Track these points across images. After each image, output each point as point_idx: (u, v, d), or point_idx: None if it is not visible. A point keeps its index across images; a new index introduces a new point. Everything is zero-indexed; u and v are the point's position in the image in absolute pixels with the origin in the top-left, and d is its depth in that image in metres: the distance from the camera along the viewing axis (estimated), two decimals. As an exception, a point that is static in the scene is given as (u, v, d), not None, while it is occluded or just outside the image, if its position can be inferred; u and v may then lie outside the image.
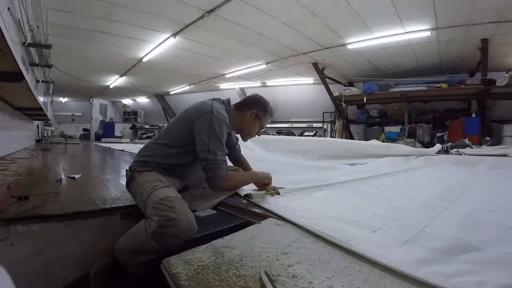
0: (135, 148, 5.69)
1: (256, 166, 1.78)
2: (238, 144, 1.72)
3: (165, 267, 0.73)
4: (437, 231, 1.00)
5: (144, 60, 7.15)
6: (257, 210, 1.22)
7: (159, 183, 1.17)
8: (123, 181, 2.04)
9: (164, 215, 0.95)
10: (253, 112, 1.45)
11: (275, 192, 1.46)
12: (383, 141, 6.46)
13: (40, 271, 1.10)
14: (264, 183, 1.48)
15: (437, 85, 6.25)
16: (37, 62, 3.00)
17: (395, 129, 7.15)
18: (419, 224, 1.08)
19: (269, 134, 7.95)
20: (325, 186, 1.78)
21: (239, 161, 1.72)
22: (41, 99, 4.21)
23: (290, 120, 10.07)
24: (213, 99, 1.40)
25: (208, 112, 1.27)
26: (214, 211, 1.31)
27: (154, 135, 8.72)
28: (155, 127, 13.09)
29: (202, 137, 1.25)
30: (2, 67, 1.88)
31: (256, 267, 0.72)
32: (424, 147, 5.36)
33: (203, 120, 1.26)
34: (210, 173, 1.24)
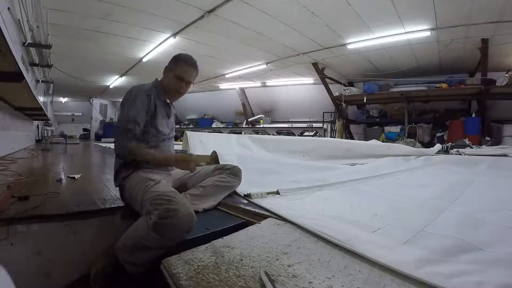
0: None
1: (256, 166, 1.78)
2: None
3: (165, 267, 0.73)
4: (437, 231, 1.00)
5: (144, 60, 7.16)
6: (257, 210, 1.22)
7: (149, 181, 1.18)
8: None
9: (164, 207, 0.97)
10: (167, 69, 1.48)
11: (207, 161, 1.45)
12: (383, 141, 6.46)
13: (40, 271, 1.10)
14: (184, 163, 1.34)
15: (437, 85, 6.25)
16: (37, 62, 3.00)
17: (395, 129, 7.16)
18: (419, 224, 1.08)
19: (269, 134, 7.95)
20: (325, 186, 1.78)
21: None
22: (41, 99, 4.21)
23: (290, 120, 10.08)
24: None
25: (128, 91, 1.38)
26: (213, 208, 1.33)
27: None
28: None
29: (120, 111, 1.37)
30: (2, 67, 1.88)
31: (256, 267, 0.72)
32: (424, 147, 5.36)
33: (124, 98, 1.38)
34: (116, 139, 1.34)
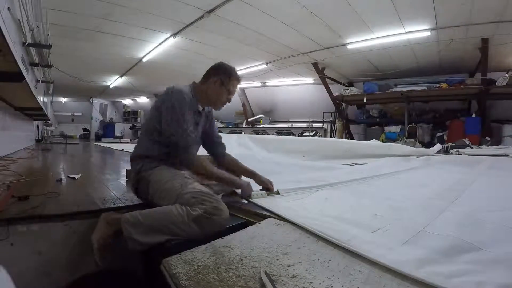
0: (135, 148, 5.67)
1: (256, 166, 1.78)
2: (223, 143, 1.70)
3: (165, 267, 0.73)
4: (437, 231, 1.00)
5: (144, 60, 7.16)
6: (257, 210, 1.22)
7: (186, 179, 1.24)
8: (123, 181, 2.05)
9: (213, 205, 1.05)
10: (217, 80, 1.46)
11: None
12: (383, 141, 6.46)
13: (40, 271, 1.10)
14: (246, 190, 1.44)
15: (437, 85, 6.25)
16: (37, 62, 3.00)
17: (395, 129, 7.15)
18: (419, 224, 1.08)
19: (269, 134, 7.95)
20: (325, 186, 1.78)
21: (226, 160, 1.66)
22: (41, 99, 4.21)
23: (290, 120, 10.07)
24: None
25: (167, 92, 1.35)
26: None
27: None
28: (155, 127, 13.05)
29: (166, 118, 1.32)
30: (2, 67, 1.88)
31: (256, 267, 0.72)
32: (424, 147, 5.37)
33: (163, 100, 1.34)
34: (180, 158, 1.35)
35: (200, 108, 1.50)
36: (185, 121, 1.32)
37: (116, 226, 1.09)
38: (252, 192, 1.40)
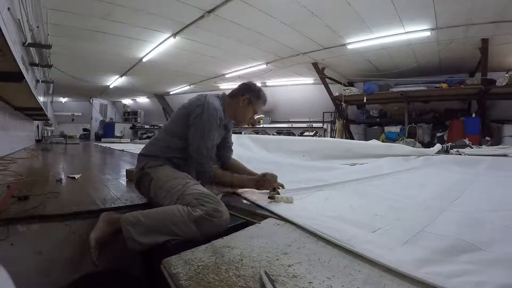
0: (135, 148, 5.69)
1: (256, 167, 1.78)
2: (232, 149, 1.74)
3: (165, 267, 0.73)
4: (437, 231, 1.00)
5: (144, 60, 7.15)
6: (257, 210, 1.22)
7: (189, 180, 1.25)
8: (123, 181, 2.05)
9: (213, 207, 1.06)
10: (246, 98, 1.50)
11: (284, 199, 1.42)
12: (383, 141, 6.46)
13: (40, 271, 1.10)
14: (260, 187, 1.47)
15: (437, 85, 6.24)
16: (37, 62, 3.00)
17: (395, 129, 7.15)
18: (419, 224, 1.08)
19: (269, 134, 7.95)
20: (325, 186, 1.79)
21: (230, 163, 1.72)
22: (41, 99, 4.21)
23: (290, 120, 10.06)
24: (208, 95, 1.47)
25: (201, 104, 1.37)
26: None
27: (154, 135, 8.75)
28: (155, 127, 13.08)
29: (194, 132, 1.35)
30: (2, 67, 1.88)
31: (256, 267, 0.72)
32: (424, 147, 5.36)
33: (195, 110, 1.36)
34: (199, 170, 1.39)
35: (227, 121, 1.54)
36: (210, 139, 1.36)
37: (115, 225, 1.09)
38: (277, 196, 1.37)
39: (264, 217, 1.14)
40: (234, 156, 1.78)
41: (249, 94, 1.50)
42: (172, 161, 1.40)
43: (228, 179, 1.46)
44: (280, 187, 1.48)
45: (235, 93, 1.53)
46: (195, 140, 1.35)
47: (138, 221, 1.05)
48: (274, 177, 1.48)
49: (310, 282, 0.65)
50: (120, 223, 1.06)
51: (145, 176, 1.34)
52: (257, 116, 1.58)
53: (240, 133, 7.96)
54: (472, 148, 4.92)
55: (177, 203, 1.12)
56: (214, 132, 1.38)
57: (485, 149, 4.71)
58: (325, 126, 8.36)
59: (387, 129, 7.34)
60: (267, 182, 1.44)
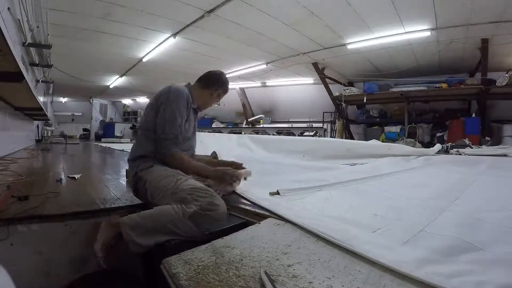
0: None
1: (256, 167, 1.78)
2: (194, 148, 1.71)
3: (165, 267, 0.73)
4: (437, 231, 1.00)
5: (144, 60, 7.15)
6: (257, 210, 1.22)
7: (180, 176, 1.24)
8: (123, 181, 2.05)
9: (208, 201, 1.05)
10: (218, 93, 1.60)
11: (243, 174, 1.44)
12: (383, 141, 6.46)
13: (40, 271, 1.10)
14: (226, 179, 1.42)
15: (437, 85, 6.25)
16: (37, 62, 3.00)
17: (395, 129, 7.15)
18: (419, 224, 1.08)
19: (269, 134, 7.95)
20: (325, 186, 1.78)
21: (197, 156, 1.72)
22: (41, 99, 4.21)
23: (290, 120, 10.07)
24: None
25: (167, 91, 1.41)
26: None
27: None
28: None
29: (161, 114, 1.36)
30: (2, 67, 1.88)
31: (256, 267, 0.72)
32: (424, 147, 5.36)
33: (160, 97, 1.40)
34: (160, 147, 1.37)
35: (196, 106, 1.58)
36: (177, 118, 1.37)
37: (117, 229, 1.08)
38: (280, 189, 1.41)
39: (264, 217, 1.14)
40: (234, 156, 1.78)
41: (221, 89, 1.60)
42: (159, 158, 1.38)
43: (189, 164, 1.40)
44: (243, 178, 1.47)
45: (206, 85, 1.58)
46: (161, 121, 1.36)
47: (136, 224, 1.04)
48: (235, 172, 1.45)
49: (310, 282, 0.65)
50: (120, 227, 1.06)
51: (139, 180, 1.33)
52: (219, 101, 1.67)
53: (240, 133, 7.96)
54: (472, 148, 4.92)
55: (172, 201, 1.11)
56: (181, 112, 1.39)
57: (485, 149, 4.71)
58: (325, 126, 8.36)
59: (387, 129, 7.34)
60: (229, 178, 1.41)
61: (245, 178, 1.51)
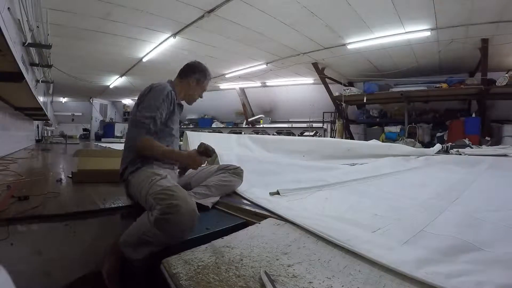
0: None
1: (256, 166, 1.78)
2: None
3: (165, 267, 0.73)
4: (437, 231, 1.00)
5: (144, 60, 7.15)
6: (257, 210, 1.22)
7: (155, 176, 1.19)
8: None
9: (167, 203, 0.96)
10: (195, 79, 1.58)
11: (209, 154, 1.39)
12: (383, 141, 6.46)
13: (40, 271, 1.10)
14: (195, 162, 1.38)
15: (437, 85, 6.25)
16: (37, 62, 2.99)
17: (395, 129, 7.16)
18: (419, 224, 1.08)
19: (269, 134, 7.95)
20: (325, 186, 1.79)
21: None
22: (41, 99, 4.21)
23: (290, 120, 10.07)
24: None
25: (149, 86, 1.43)
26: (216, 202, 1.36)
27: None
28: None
29: (142, 106, 1.37)
30: (2, 67, 1.88)
31: (256, 267, 0.72)
32: (424, 147, 5.36)
33: (143, 93, 1.42)
34: (130, 131, 1.39)
35: (179, 101, 1.57)
36: (158, 109, 1.35)
37: (119, 251, 1.06)
38: (280, 189, 1.42)
39: (264, 217, 1.14)
40: (234, 156, 1.78)
41: (198, 75, 1.59)
42: (146, 157, 1.34)
43: (158, 150, 1.33)
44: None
45: (184, 75, 1.58)
46: (141, 111, 1.35)
47: (125, 241, 1.03)
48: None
49: (310, 282, 0.65)
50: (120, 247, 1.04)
51: (129, 184, 1.32)
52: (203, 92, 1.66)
53: (240, 133, 7.96)
54: (472, 148, 4.92)
55: (147, 206, 1.08)
56: (158, 101, 1.37)
57: (485, 149, 4.71)
58: (325, 126, 8.37)
59: (387, 129, 7.35)
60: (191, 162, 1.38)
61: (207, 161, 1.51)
